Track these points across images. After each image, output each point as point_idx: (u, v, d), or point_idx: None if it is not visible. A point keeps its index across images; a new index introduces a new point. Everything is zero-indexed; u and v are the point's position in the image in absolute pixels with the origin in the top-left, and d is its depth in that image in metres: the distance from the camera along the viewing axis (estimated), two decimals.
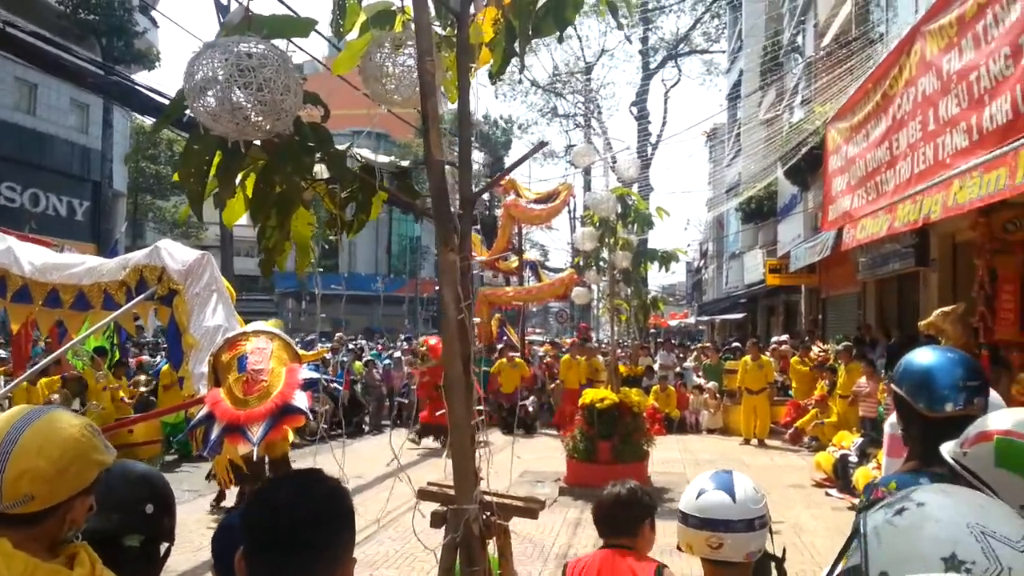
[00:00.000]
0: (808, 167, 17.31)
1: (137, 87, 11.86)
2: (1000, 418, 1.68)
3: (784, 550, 2.26)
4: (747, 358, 14.34)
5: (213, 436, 3.78)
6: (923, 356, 2.18)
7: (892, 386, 2.25)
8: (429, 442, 13.28)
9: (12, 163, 26.52)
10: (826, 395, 12.79)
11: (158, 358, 15.23)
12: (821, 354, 14.57)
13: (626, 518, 2.57)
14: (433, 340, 13.61)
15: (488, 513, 2.45)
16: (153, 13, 29.67)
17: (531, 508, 2.59)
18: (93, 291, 5.49)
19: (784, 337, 19.05)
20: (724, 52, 37.85)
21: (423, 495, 2.65)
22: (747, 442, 13.82)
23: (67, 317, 5.72)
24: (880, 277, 14.82)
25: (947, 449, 1.76)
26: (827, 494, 9.55)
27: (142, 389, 12.52)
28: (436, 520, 2.49)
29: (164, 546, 2.01)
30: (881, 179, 10.38)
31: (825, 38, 18.87)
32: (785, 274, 20.57)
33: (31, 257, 5.62)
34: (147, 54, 31.35)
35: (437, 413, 11.39)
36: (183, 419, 10.50)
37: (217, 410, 3.78)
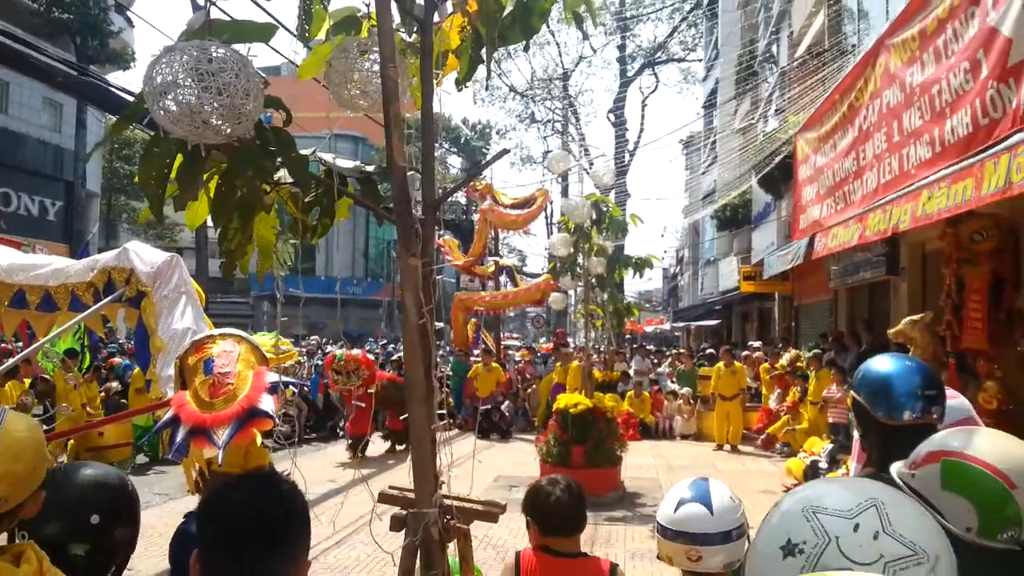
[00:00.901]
0: (782, 176, 17.49)
1: (110, 87, 11.80)
2: (948, 438, 1.69)
3: None
4: (720, 364, 14.46)
5: (179, 439, 3.75)
6: (882, 364, 2.21)
7: (851, 393, 2.28)
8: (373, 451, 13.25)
9: None
10: (798, 402, 12.92)
11: (126, 360, 15.06)
12: (787, 362, 14.71)
13: (579, 517, 2.56)
14: (357, 352, 13.64)
15: (448, 517, 2.47)
16: (129, 13, 29.40)
17: (491, 512, 2.60)
18: (60, 292, 5.44)
19: (758, 344, 19.21)
20: (701, 60, 38.18)
21: (384, 499, 2.66)
22: (720, 448, 13.92)
23: (33, 318, 5.66)
24: (851, 285, 15.00)
25: (895, 469, 1.78)
26: None
27: (112, 388, 12.39)
28: (395, 524, 2.50)
29: (119, 558, 1.94)
30: (849, 189, 10.53)
31: (799, 48, 19.10)
32: (759, 281, 20.74)
33: None
34: (122, 54, 31.02)
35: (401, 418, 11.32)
36: (152, 422, 10.42)
37: (183, 413, 3.74)
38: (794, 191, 14.17)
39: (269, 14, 10.81)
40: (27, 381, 10.34)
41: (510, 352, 23.85)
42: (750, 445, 14.00)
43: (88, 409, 10.76)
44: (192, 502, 6.81)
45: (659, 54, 39.65)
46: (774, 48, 23.09)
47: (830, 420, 11.25)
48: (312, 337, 25.25)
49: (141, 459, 11.76)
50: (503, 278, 21.41)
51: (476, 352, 18.61)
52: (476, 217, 20.93)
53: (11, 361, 5.81)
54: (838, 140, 11.00)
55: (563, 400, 10.19)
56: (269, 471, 1.75)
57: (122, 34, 30.74)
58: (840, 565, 0.96)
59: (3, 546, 1.58)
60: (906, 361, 2.23)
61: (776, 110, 20.83)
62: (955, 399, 2.53)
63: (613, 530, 8.04)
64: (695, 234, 37.71)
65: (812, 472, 9.72)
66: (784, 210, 18.70)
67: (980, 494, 1.55)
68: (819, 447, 10.29)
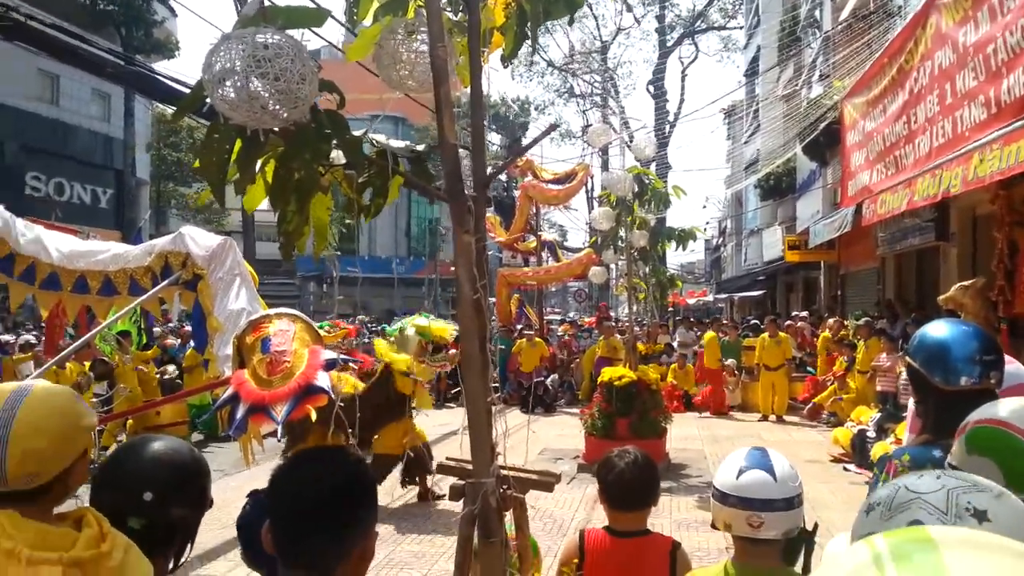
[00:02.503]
0: (827, 143, 17.17)
1: (157, 76, 12.02)
2: (990, 408, 1.67)
3: (816, 525, 2.30)
4: (765, 335, 14.34)
5: (238, 416, 3.88)
6: (938, 329, 2.19)
7: (907, 359, 2.27)
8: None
9: (37, 153, 26.86)
10: (845, 371, 12.78)
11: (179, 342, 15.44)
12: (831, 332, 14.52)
13: (649, 489, 2.60)
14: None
15: (505, 486, 2.53)
16: (171, 2, 29.79)
17: (546, 481, 2.66)
18: (119, 277, 5.62)
19: (804, 314, 18.97)
20: (741, 28, 37.43)
21: (442, 469, 2.74)
22: (765, 418, 13.85)
23: (94, 303, 5.86)
24: (900, 252, 14.73)
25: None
26: (844, 469, 9.60)
27: (169, 373, 12.73)
28: (454, 493, 2.57)
29: (179, 536, 1.92)
30: (900, 154, 10.31)
31: (843, 12, 18.64)
32: (804, 250, 20.45)
33: (59, 245, 5.74)
34: (166, 43, 31.50)
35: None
36: (208, 401, 10.71)
37: (242, 391, 3.88)
38: (841, 158, 13.92)
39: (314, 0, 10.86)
40: (87, 364, 10.67)
41: (552, 327, 23.89)
42: (796, 415, 13.91)
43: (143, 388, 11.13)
44: (246, 478, 7.02)
45: (698, 23, 38.98)
46: (817, 13, 22.55)
47: (878, 389, 11.11)
48: (358, 316, 25.56)
49: (196, 436, 12.08)
50: (544, 253, 21.43)
51: (519, 327, 18.69)
52: (517, 193, 20.93)
53: (75, 344, 6.01)
54: (887, 104, 10.76)
55: (607, 373, 10.23)
56: (335, 446, 1.81)
57: (165, 23, 31.20)
58: (907, 498, 1.02)
59: (64, 512, 1.65)
60: (963, 326, 2.21)
61: (820, 76, 20.40)
62: (1011, 364, 2.50)
63: (659, 500, 8.10)
64: (738, 204, 37.20)
65: (859, 442, 9.64)
66: (830, 177, 18.38)
67: (1001, 453, 1.55)
68: (867, 416, 10.19)
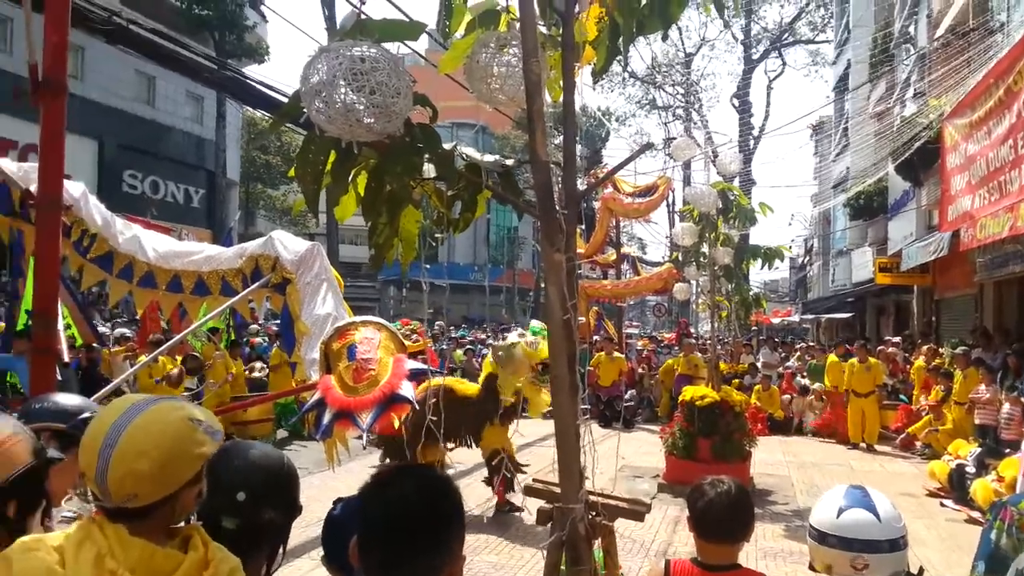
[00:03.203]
0: (921, 163, 16.50)
1: (248, 80, 12.38)
2: None
3: (921, 569, 2.17)
4: (854, 360, 13.81)
5: (325, 421, 3.94)
6: None
7: None
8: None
9: (134, 152, 28.04)
10: (941, 401, 12.20)
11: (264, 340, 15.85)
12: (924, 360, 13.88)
13: (741, 522, 2.48)
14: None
15: (594, 513, 2.46)
16: (263, 8, 30.77)
17: (637, 511, 2.58)
18: (212, 278, 5.80)
19: (896, 339, 18.25)
20: (831, 42, 36.39)
21: (529, 491, 2.69)
22: (855, 446, 13.32)
23: (187, 301, 6.05)
24: (1000, 279, 14.02)
25: None
26: (942, 504, 9.13)
27: (255, 374, 13.07)
28: (542, 517, 2.52)
29: (269, 539, 1.96)
30: (1005, 179, 9.81)
31: (939, 28, 17.90)
32: (896, 273, 19.70)
33: (155, 244, 5.96)
34: (257, 48, 32.52)
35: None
36: (293, 400, 10.96)
37: (329, 396, 3.94)
38: (941, 181, 13.33)
39: (404, 13, 11.06)
40: (179, 359, 11.06)
41: (630, 341, 23.63)
42: (887, 445, 13.33)
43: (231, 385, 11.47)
44: (328, 477, 7.11)
45: (786, 36, 38.09)
46: (912, 28, 21.73)
47: (977, 422, 10.55)
48: (437, 322, 25.82)
49: (281, 434, 12.34)
50: (624, 266, 21.21)
51: (596, 340, 18.54)
52: (597, 205, 20.81)
53: (172, 341, 6.23)
54: (992, 127, 10.25)
55: (689, 392, 10.02)
56: (425, 465, 1.78)
57: (256, 28, 32.21)
58: None
59: (175, 528, 1.63)
60: None
61: (915, 93, 19.63)
62: None
63: None
64: (825, 223, 36.13)
65: (958, 477, 9.16)
66: (924, 198, 17.66)
67: None
68: (965, 450, 9.67)
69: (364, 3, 2.79)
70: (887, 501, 2.15)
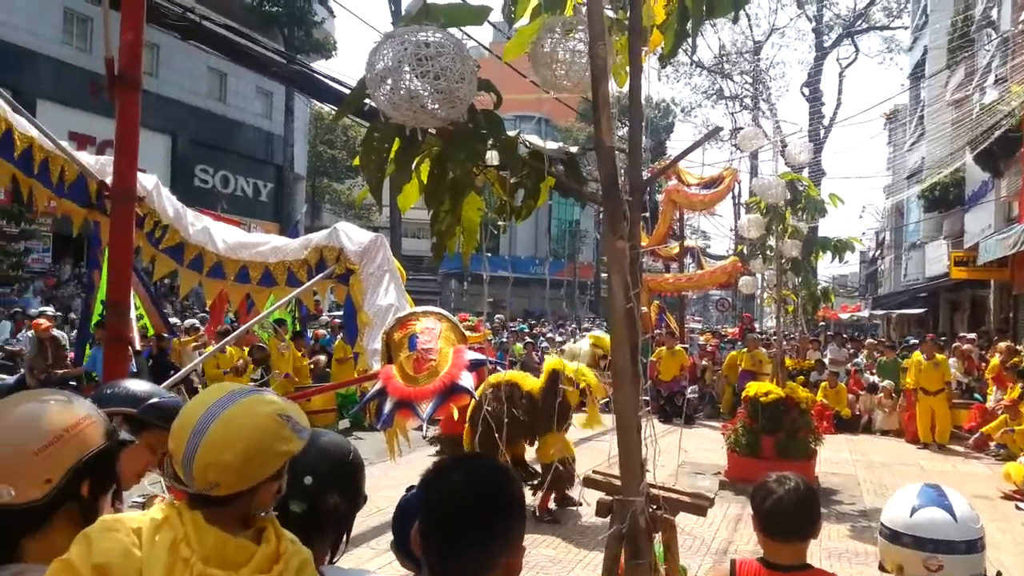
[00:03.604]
0: (1002, 152, 15.83)
1: (316, 75, 12.56)
2: None
3: (999, 573, 2.07)
4: (920, 356, 13.35)
5: (386, 410, 3.96)
6: None
7: None
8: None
9: (205, 147, 28.85)
10: (1017, 400, 11.70)
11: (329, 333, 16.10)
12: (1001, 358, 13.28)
13: (808, 520, 2.39)
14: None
15: (655, 507, 2.41)
16: (330, 3, 31.21)
17: (700, 505, 2.52)
18: (278, 269, 5.89)
19: (972, 336, 17.58)
20: (906, 28, 35.18)
21: (588, 483, 2.65)
22: (925, 446, 12.89)
23: (255, 292, 6.16)
24: None
25: None
26: (1017, 507, 8.78)
27: (320, 361, 13.31)
28: (602, 509, 2.47)
29: (333, 525, 1.98)
30: None
31: None
32: (973, 267, 18.97)
33: (224, 236, 6.08)
34: (325, 43, 33.07)
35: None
36: (355, 390, 11.12)
37: (390, 386, 3.96)
38: (1022, 170, 12.78)
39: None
40: (246, 349, 11.32)
41: (692, 335, 23.30)
42: (960, 444, 12.86)
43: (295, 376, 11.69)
44: (389, 467, 7.19)
45: (859, 22, 36.97)
46: (994, 12, 20.83)
47: None
48: (497, 316, 25.90)
49: (343, 424, 12.54)
50: (688, 259, 20.91)
51: (657, 334, 18.34)
52: (660, 197, 20.55)
53: (239, 330, 6.35)
54: None
55: (753, 388, 9.82)
56: (485, 456, 1.76)
57: (324, 24, 32.73)
58: None
59: (249, 518, 1.64)
60: None
61: (996, 80, 18.84)
62: None
63: None
64: (898, 215, 35.02)
65: None
66: (1004, 189, 16.94)
67: None
68: None
69: None
70: (964, 501, 2.06)
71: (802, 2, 34.81)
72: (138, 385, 2.52)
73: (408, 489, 2.07)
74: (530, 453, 8.20)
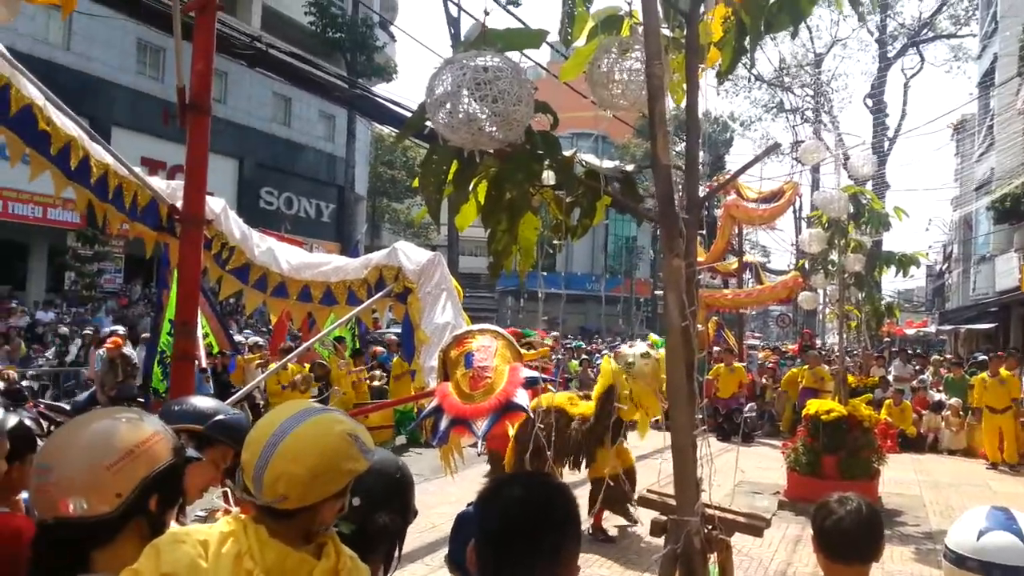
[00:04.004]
0: None
1: (377, 98, 12.82)
2: None
3: None
4: (984, 374, 12.90)
5: (441, 427, 4.01)
6: None
7: None
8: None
9: (270, 170, 29.60)
10: None
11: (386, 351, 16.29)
12: None
13: (871, 542, 2.34)
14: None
15: (710, 527, 2.40)
16: (392, 28, 31.82)
17: (755, 525, 2.50)
18: (339, 288, 6.01)
19: None
20: (975, 36, 34.24)
21: (643, 502, 2.65)
22: (995, 466, 12.43)
23: (316, 311, 6.29)
24: None
25: None
26: None
27: (376, 383, 13.47)
28: (656, 529, 2.47)
29: (383, 544, 2.00)
30: None
31: None
32: None
33: (288, 256, 6.23)
34: (386, 67, 33.70)
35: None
36: (412, 407, 11.23)
37: (445, 403, 4.00)
38: None
39: (520, 20, 11.19)
40: (307, 366, 11.54)
41: (751, 352, 22.91)
42: None
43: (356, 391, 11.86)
44: (445, 483, 7.22)
45: (925, 31, 36.12)
46: None
47: None
48: (553, 332, 25.85)
49: (400, 440, 12.67)
50: (747, 275, 20.61)
51: (716, 350, 18.09)
52: (718, 212, 20.34)
53: (300, 347, 6.50)
54: None
55: (814, 405, 9.62)
56: (542, 474, 1.78)
57: (385, 48, 33.36)
58: None
59: (311, 533, 1.68)
60: None
61: None
62: None
63: None
64: (966, 228, 33.95)
65: None
66: None
67: None
68: None
69: (488, 15, 2.85)
70: None
71: (863, 15, 34.14)
72: (204, 402, 2.61)
73: (468, 505, 2.08)
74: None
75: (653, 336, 8.01)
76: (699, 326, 2.70)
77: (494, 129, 2.40)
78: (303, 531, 1.66)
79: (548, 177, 2.81)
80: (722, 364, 15.79)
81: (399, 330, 10.05)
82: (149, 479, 1.66)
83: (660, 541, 2.49)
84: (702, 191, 2.96)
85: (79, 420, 1.73)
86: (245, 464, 1.65)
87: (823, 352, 19.33)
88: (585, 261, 50.72)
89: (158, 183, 5.59)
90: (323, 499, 1.65)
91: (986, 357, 16.35)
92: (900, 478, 10.94)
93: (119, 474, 1.62)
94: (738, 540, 7.15)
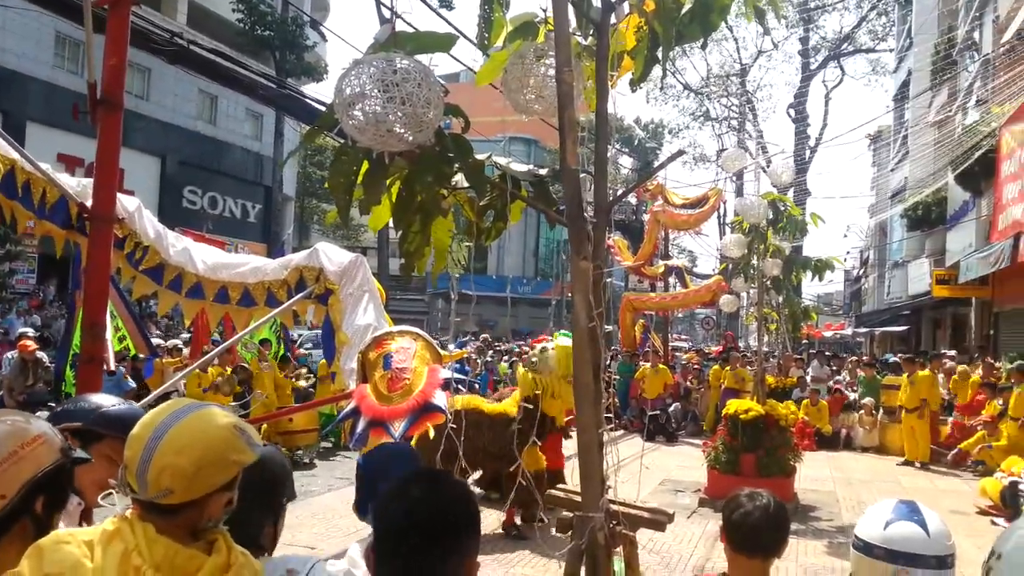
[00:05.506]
0: (983, 172, 16.05)
1: (305, 98, 12.64)
2: None
3: None
4: (905, 376, 13.46)
5: (359, 429, 3.98)
6: None
7: None
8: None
9: (194, 168, 28.84)
10: (996, 417, 11.81)
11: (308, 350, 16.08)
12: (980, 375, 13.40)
13: (776, 538, 2.43)
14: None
15: (615, 522, 2.45)
16: (322, 28, 31.37)
17: (658, 520, 2.56)
18: (257, 289, 5.91)
19: (952, 353, 17.73)
20: (891, 51, 35.70)
21: (551, 500, 2.69)
22: (907, 463, 12.96)
23: (234, 312, 6.17)
24: None
25: None
26: (993, 523, 8.84)
27: (302, 383, 13.26)
28: (562, 526, 2.51)
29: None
30: None
31: (1006, 33, 17.43)
32: (954, 285, 19.20)
33: (204, 256, 6.10)
34: (316, 67, 33.20)
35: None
36: (336, 411, 11.11)
37: (363, 405, 3.98)
38: (994, 188, 12.97)
39: (451, 24, 11.18)
40: (228, 369, 11.29)
41: (677, 354, 23.37)
42: (939, 461, 12.94)
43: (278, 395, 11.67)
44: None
45: (845, 45, 37.48)
46: (976, 34, 21.18)
47: None
48: (483, 335, 25.90)
49: (326, 444, 12.51)
50: (672, 279, 21.03)
51: (642, 352, 18.41)
52: (646, 217, 20.70)
53: (215, 350, 6.36)
54: None
55: (733, 405, 9.87)
56: (442, 471, 1.80)
57: (316, 48, 32.87)
58: None
59: (201, 531, 1.66)
60: None
61: (977, 101, 19.15)
62: None
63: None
64: (882, 234, 35.34)
65: (1011, 494, 8.86)
66: (985, 209, 17.17)
67: None
68: (1020, 467, 9.35)
69: (399, 16, 2.86)
70: (937, 517, 2.10)
71: (767, 31, 35.23)
72: (89, 399, 2.50)
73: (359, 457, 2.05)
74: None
75: (560, 333, 8.16)
76: (608, 327, 2.76)
77: (403, 130, 2.41)
78: (191, 526, 1.64)
79: (461, 180, 2.84)
80: (648, 365, 16.08)
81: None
82: (34, 481, 1.63)
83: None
84: (633, 197, 3.02)
85: None
86: (128, 461, 1.63)
87: (746, 355, 19.87)
88: (516, 264, 50.91)
89: (68, 180, 5.42)
90: (209, 492, 1.63)
91: (896, 359, 17.05)
92: (816, 475, 11.30)
93: (3, 476, 1.60)
94: (660, 538, 7.35)
